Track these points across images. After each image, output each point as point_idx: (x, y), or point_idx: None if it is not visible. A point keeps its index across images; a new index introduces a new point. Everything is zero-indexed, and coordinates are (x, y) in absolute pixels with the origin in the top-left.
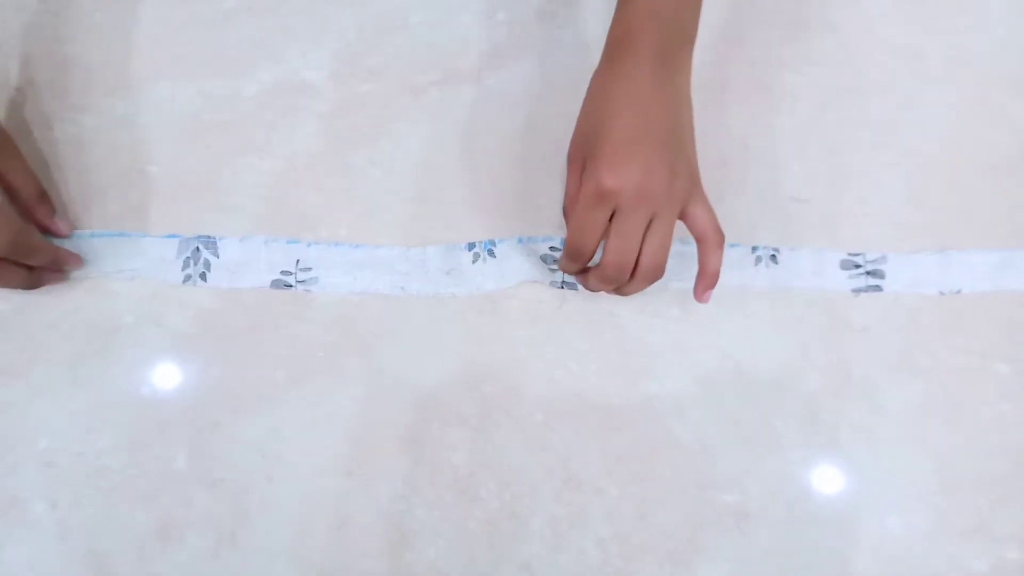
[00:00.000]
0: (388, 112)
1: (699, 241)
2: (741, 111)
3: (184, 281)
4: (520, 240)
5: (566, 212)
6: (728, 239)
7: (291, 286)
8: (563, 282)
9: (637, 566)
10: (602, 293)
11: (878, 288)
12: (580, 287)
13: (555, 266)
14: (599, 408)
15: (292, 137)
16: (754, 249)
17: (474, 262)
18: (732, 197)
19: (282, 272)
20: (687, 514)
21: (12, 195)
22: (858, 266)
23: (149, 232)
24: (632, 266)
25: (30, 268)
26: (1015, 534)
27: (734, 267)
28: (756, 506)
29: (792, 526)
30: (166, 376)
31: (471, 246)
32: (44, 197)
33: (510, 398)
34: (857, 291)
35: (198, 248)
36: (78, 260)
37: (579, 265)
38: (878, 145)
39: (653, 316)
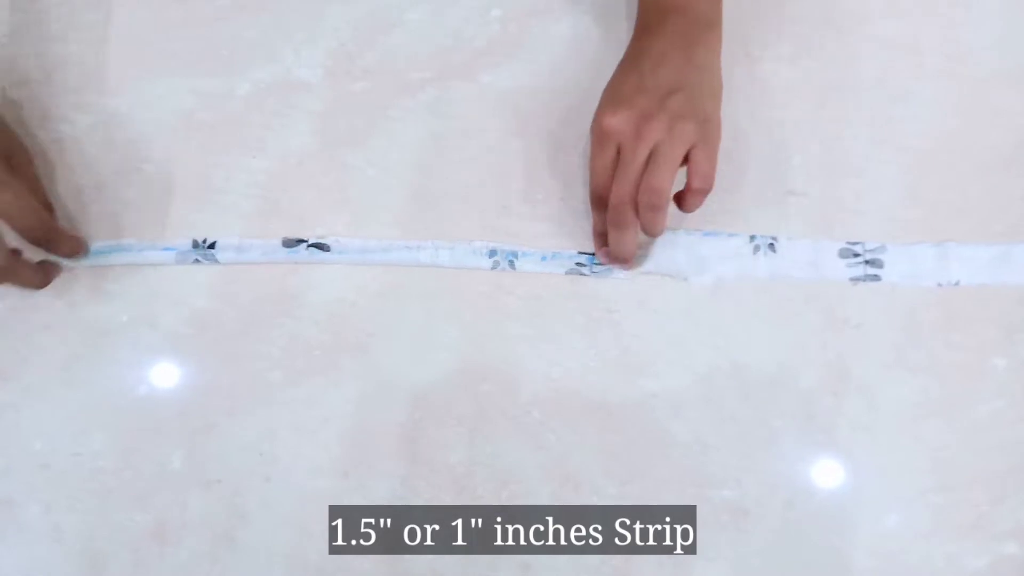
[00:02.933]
0: (383, 110)
1: (688, 183)
2: (739, 106)
3: (193, 262)
4: (543, 257)
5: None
6: (726, 231)
7: (303, 241)
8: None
9: (636, 565)
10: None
11: (876, 278)
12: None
13: (582, 270)
14: (596, 406)
15: (286, 136)
16: (752, 238)
17: (492, 268)
18: (730, 191)
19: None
20: (687, 510)
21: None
22: (857, 255)
23: (146, 239)
24: (633, 197)
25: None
26: (1013, 531)
27: (732, 257)
28: (754, 503)
29: (790, 523)
30: (161, 377)
31: (492, 252)
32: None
33: (507, 397)
34: (855, 280)
35: (197, 260)
36: (86, 247)
37: (603, 212)
38: (876, 140)
39: (650, 313)
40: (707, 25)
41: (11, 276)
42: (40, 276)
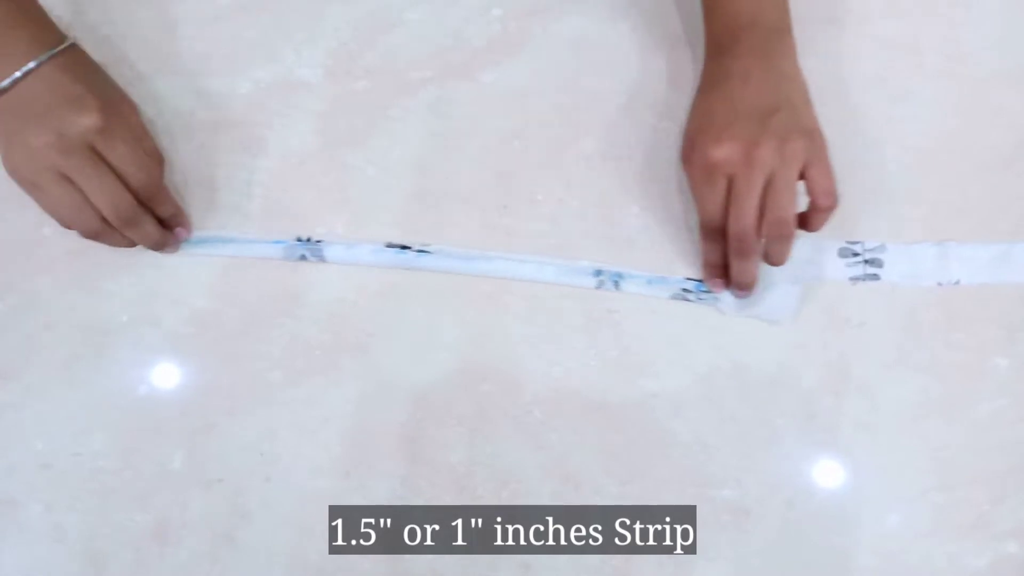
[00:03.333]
0: (383, 109)
1: (810, 201)
2: None
3: (299, 257)
4: (650, 281)
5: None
6: None
7: (408, 247)
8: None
9: (636, 564)
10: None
11: (876, 277)
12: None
13: (688, 296)
14: (597, 406)
15: (287, 135)
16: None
17: (597, 287)
18: None
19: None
20: (687, 510)
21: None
22: (856, 254)
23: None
24: (755, 227)
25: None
26: (1014, 530)
27: None
28: (755, 503)
29: (791, 523)
30: (161, 377)
31: (598, 272)
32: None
33: (507, 397)
34: (855, 280)
35: (304, 255)
36: (190, 227)
37: (717, 243)
38: (876, 139)
39: (651, 313)
40: (780, 33)
41: (102, 237)
42: (159, 233)
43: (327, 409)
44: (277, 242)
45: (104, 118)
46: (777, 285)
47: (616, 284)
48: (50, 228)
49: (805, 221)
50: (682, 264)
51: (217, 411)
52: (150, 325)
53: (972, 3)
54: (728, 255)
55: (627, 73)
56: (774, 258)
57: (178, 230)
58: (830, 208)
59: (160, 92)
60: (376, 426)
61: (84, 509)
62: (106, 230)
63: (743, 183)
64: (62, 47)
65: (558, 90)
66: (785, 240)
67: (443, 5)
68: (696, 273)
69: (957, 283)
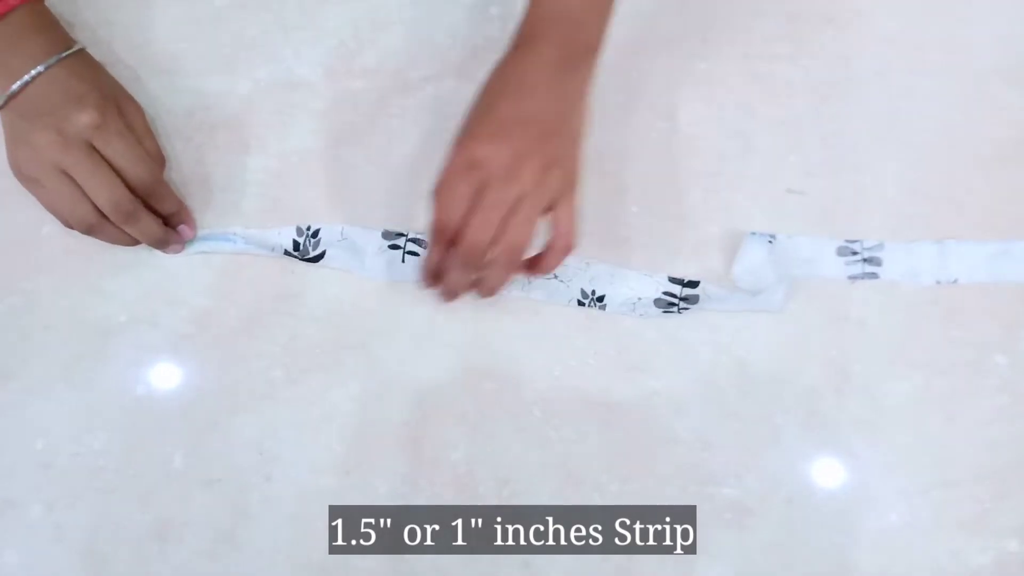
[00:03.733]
0: (382, 108)
1: (550, 241)
2: (737, 104)
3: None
4: (634, 306)
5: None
6: (725, 232)
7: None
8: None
9: (637, 562)
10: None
11: (875, 276)
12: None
13: (671, 309)
14: (598, 404)
15: (287, 134)
16: (752, 234)
17: (580, 305)
18: (730, 189)
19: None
20: (687, 510)
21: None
22: (855, 253)
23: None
24: (490, 242)
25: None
26: (1016, 526)
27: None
28: (756, 501)
29: (793, 521)
30: (162, 376)
31: (584, 295)
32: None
33: (508, 395)
34: (854, 278)
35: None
36: (194, 225)
37: (442, 247)
38: (875, 137)
39: None
40: (588, 51)
41: (99, 233)
42: (162, 230)
43: (328, 408)
44: (277, 237)
45: (101, 115)
46: (767, 280)
47: (601, 304)
48: (50, 228)
49: (537, 261)
50: (682, 263)
51: (217, 410)
52: (150, 324)
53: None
54: (450, 261)
55: (627, 73)
56: (490, 283)
57: (182, 228)
58: (567, 250)
59: (160, 92)
60: (377, 425)
61: (84, 508)
62: (103, 224)
63: (495, 193)
64: (70, 52)
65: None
66: (510, 268)
67: (442, 4)
68: (696, 273)
69: (956, 281)
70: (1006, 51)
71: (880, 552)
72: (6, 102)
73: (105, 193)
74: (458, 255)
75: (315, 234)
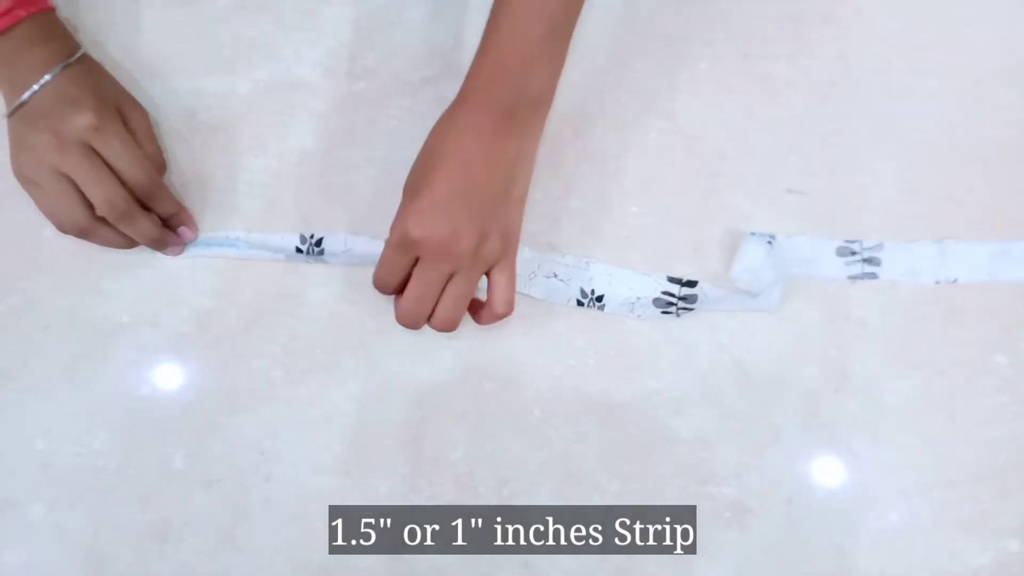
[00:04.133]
0: (383, 109)
1: (486, 302)
2: (737, 104)
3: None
4: (632, 307)
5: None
6: (725, 231)
7: None
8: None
9: (638, 563)
10: None
11: (874, 276)
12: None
13: (669, 309)
14: (598, 404)
15: (287, 135)
16: (752, 234)
17: (579, 305)
18: (730, 189)
19: None
20: (687, 510)
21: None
22: (854, 253)
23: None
24: (426, 315)
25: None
26: (1016, 526)
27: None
28: (756, 501)
29: (792, 521)
30: (162, 376)
31: (584, 294)
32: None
33: (508, 395)
34: (853, 278)
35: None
36: (195, 227)
37: (386, 294)
38: (875, 137)
39: None
40: (538, 105)
41: (93, 235)
42: (159, 232)
43: (328, 408)
44: (280, 241)
45: (98, 116)
46: (766, 280)
47: (600, 304)
48: (51, 229)
49: (476, 310)
50: (681, 263)
51: (218, 410)
52: (150, 325)
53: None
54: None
55: (627, 73)
56: (437, 325)
57: (182, 230)
58: (501, 316)
59: (160, 92)
60: (376, 425)
61: (85, 509)
62: (97, 227)
63: (429, 272)
64: (74, 58)
65: (556, 90)
66: (446, 331)
67: (442, 4)
68: (695, 273)
69: (955, 281)
70: (1006, 51)
71: (880, 552)
72: (15, 111)
73: (100, 191)
74: (398, 316)
75: (318, 243)
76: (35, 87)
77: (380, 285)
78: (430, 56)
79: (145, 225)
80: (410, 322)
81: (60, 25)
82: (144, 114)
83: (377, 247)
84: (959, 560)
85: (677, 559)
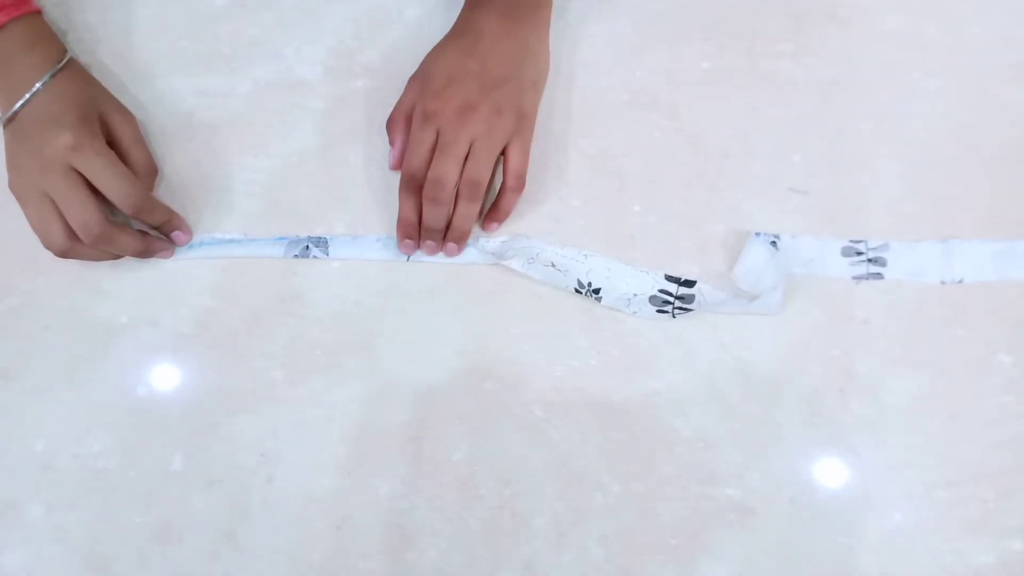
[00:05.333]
0: (383, 108)
1: (503, 183)
2: (741, 102)
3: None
4: (629, 302)
5: (388, 124)
6: (728, 231)
7: None
8: (674, 310)
9: (640, 563)
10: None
11: (879, 276)
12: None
13: (666, 308)
14: (600, 404)
15: (287, 134)
16: (757, 235)
17: (577, 292)
18: (732, 188)
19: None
20: (690, 510)
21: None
22: (859, 253)
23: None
24: (453, 182)
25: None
26: (1020, 526)
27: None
28: (759, 501)
29: (795, 521)
30: (162, 376)
31: (580, 284)
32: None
33: (510, 395)
34: (858, 279)
35: (307, 247)
36: (188, 230)
37: (414, 198)
38: (879, 136)
39: None
40: (536, 5)
41: (74, 255)
42: (144, 242)
43: (329, 408)
44: (280, 239)
45: (77, 136)
46: (768, 282)
47: (597, 297)
48: None
49: (494, 208)
50: (684, 263)
51: (218, 411)
52: (150, 325)
53: None
54: (423, 204)
55: (630, 72)
56: (459, 219)
57: (175, 235)
58: (516, 190)
59: (160, 92)
60: (378, 425)
61: (85, 510)
62: (79, 247)
63: (450, 136)
64: (63, 63)
65: (558, 88)
66: (473, 202)
67: (442, 3)
68: (698, 273)
69: (961, 281)
70: (1010, 50)
71: (883, 552)
72: (8, 121)
73: (76, 214)
74: (426, 193)
75: (319, 243)
76: (27, 95)
77: (410, 166)
78: None
79: (125, 242)
80: (441, 181)
81: (47, 28)
82: (131, 120)
83: (377, 248)
84: (963, 560)
85: (678, 559)
